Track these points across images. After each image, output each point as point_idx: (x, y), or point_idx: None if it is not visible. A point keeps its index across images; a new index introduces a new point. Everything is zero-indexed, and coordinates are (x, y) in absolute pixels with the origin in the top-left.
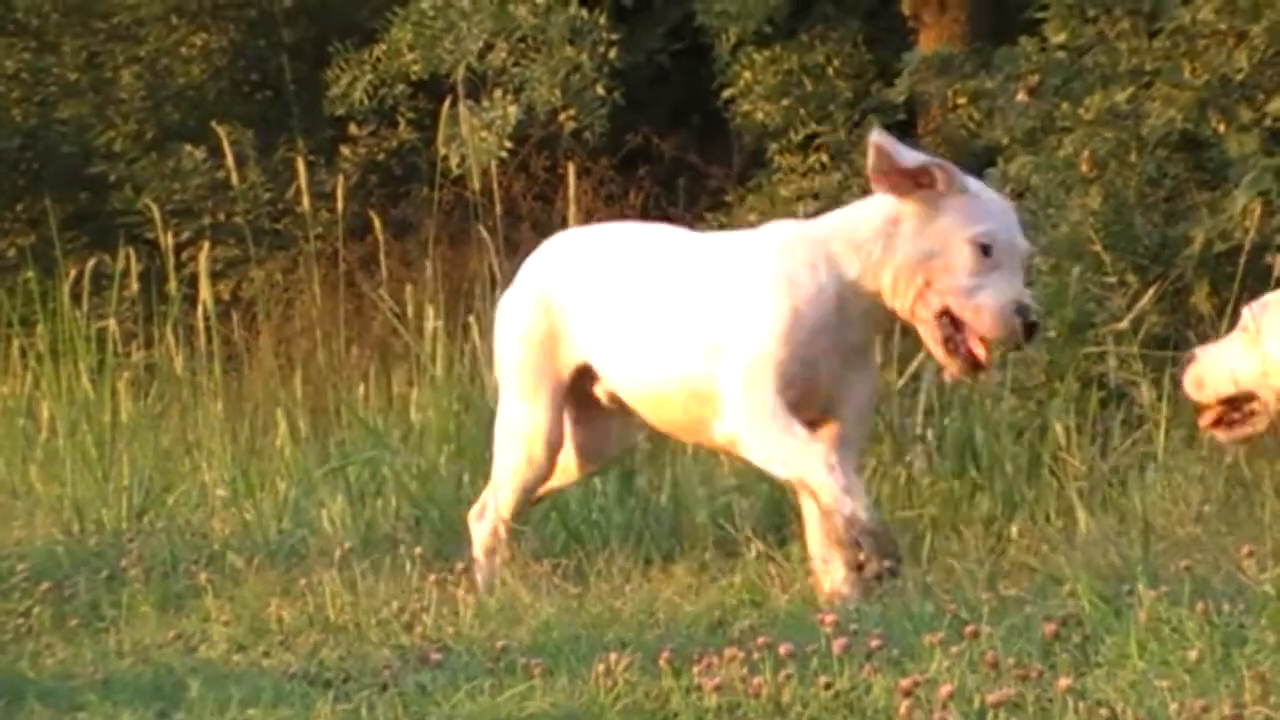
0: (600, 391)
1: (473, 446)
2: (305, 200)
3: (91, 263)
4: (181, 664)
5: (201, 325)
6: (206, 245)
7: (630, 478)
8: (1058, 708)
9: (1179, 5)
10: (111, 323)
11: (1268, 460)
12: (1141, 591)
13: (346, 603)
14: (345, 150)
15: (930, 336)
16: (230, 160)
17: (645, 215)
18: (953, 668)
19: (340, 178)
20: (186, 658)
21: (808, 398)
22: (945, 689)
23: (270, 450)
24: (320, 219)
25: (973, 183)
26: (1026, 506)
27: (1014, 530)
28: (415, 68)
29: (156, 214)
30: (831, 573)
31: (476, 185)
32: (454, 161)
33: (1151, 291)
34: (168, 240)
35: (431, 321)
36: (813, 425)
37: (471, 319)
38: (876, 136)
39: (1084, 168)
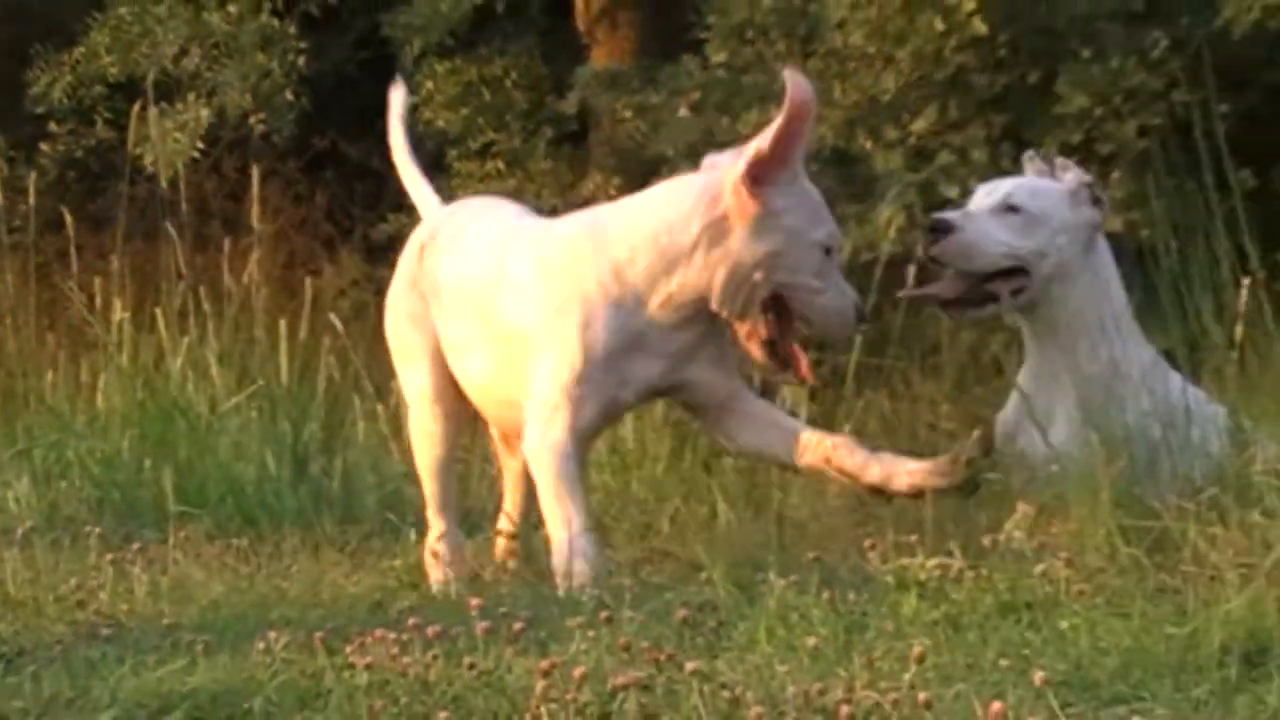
0: None
1: (155, 432)
2: None
3: None
4: None
5: None
6: None
7: (304, 464)
8: (684, 689)
9: (831, 30)
10: None
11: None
12: (773, 580)
13: (26, 579)
14: (45, 147)
15: (748, 334)
16: None
17: (330, 216)
18: (590, 650)
19: (34, 173)
20: None
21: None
22: (579, 670)
23: None
24: (19, 212)
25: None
26: (675, 498)
27: (664, 521)
28: (113, 70)
29: None
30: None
31: (165, 183)
32: (148, 160)
33: None
34: None
35: (119, 313)
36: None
37: (158, 311)
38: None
39: None
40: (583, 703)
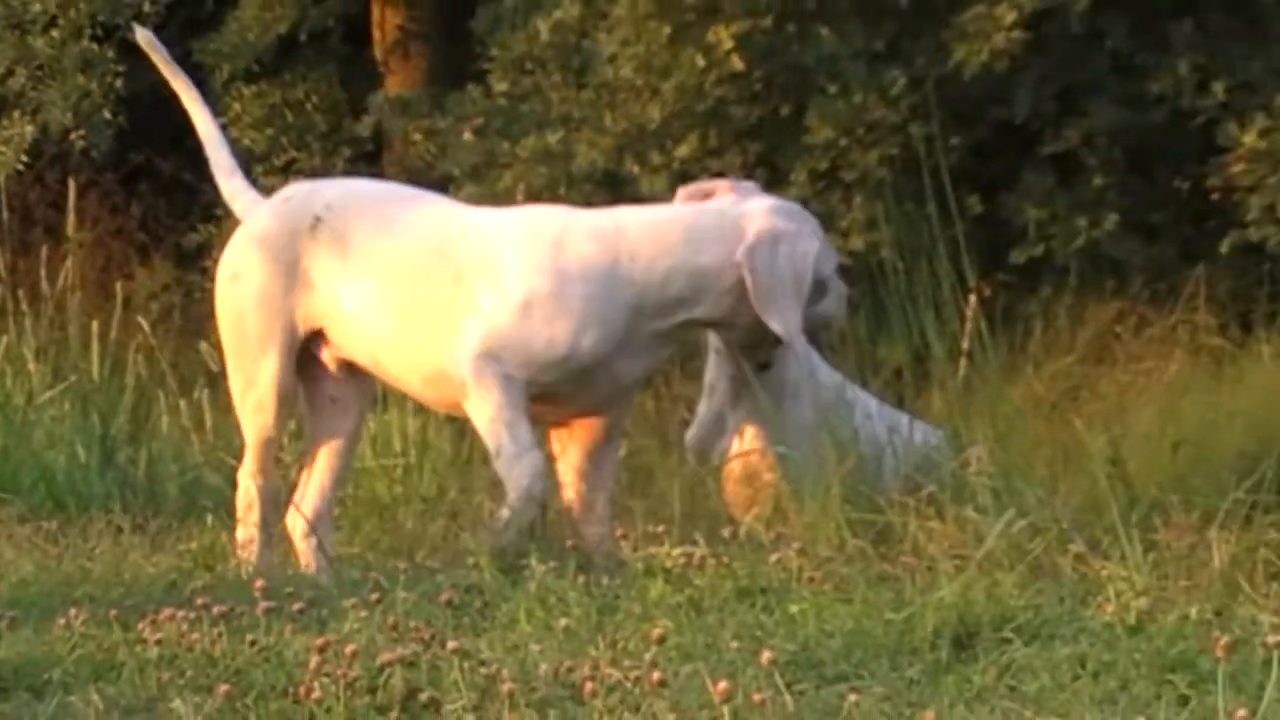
0: (329, 358)
1: None
2: None
3: None
4: None
5: None
6: None
7: (112, 453)
8: (445, 666)
9: (604, 63)
10: None
11: (661, 453)
12: (534, 565)
13: None
14: None
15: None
16: None
17: (144, 225)
18: (363, 629)
19: None
20: None
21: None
22: (351, 648)
23: None
24: None
25: None
26: (453, 490)
27: (442, 509)
28: None
29: None
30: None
31: None
32: None
33: None
34: None
35: None
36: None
37: None
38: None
39: (520, 199)
40: (353, 677)
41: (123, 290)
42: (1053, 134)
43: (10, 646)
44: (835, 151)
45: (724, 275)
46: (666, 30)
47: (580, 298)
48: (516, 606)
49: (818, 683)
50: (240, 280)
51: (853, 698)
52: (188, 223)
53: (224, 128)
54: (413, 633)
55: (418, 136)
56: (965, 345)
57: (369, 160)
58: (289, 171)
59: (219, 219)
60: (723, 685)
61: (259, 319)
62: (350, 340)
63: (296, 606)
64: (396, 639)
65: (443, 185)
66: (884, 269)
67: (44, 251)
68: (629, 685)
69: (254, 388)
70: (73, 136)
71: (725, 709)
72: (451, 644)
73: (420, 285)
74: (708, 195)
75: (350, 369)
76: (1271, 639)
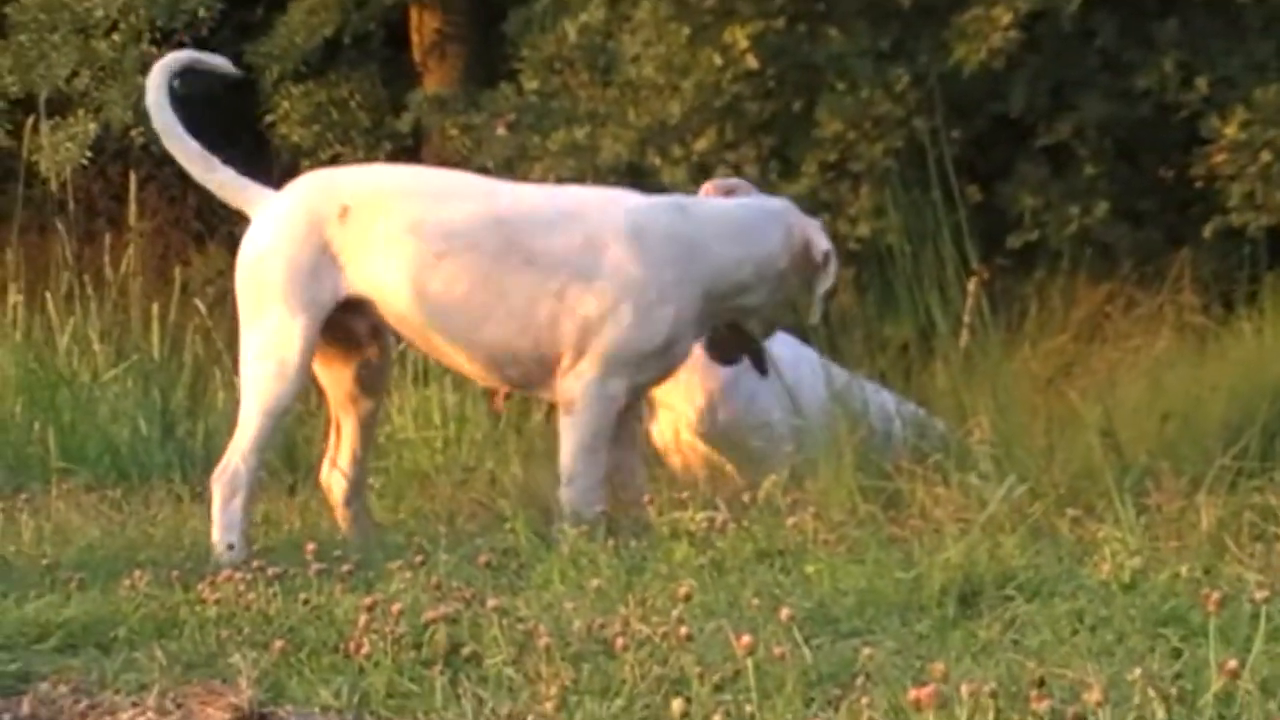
0: (362, 326)
1: (43, 398)
2: None
3: None
4: None
5: None
6: None
7: (171, 426)
8: (486, 623)
9: (627, 63)
10: None
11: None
12: (566, 529)
13: None
14: None
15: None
16: None
17: (200, 215)
18: (408, 589)
19: None
20: None
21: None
22: (397, 606)
23: None
24: None
25: None
26: (490, 458)
27: (480, 477)
28: (13, 88)
29: None
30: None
31: (56, 186)
32: (42, 166)
33: None
34: None
35: (14, 296)
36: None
37: (48, 295)
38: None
39: None
40: (399, 634)
41: (181, 275)
42: (1046, 127)
43: (79, 606)
44: (844, 144)
45: (776, 265)
46: (686, 31)
47: (671, 283)
48: (550, 568)
49: (833, 637)
50: (268, 257)
51: (866, 651)
52: (240, 213)
53: (272, 124)
54: (454, 592)
55: (454, 132)
56: (967, 322)
57: (409, 154)
58: (335, 165)
59: None
60: (745, 639)
61: (286, 289)
62: (397, 315)
63: (345, 568)
64: (439, 598)
65: None
66: (891, 253)
67: (107, 240)
68: (657, 640)
69: (275, 353)
70: (133, 133)
71: (748, 661)
72: (491, 602)
73: (485, 266)
74: (730, 191)
75: (378, 335)
76: (1259, 595)
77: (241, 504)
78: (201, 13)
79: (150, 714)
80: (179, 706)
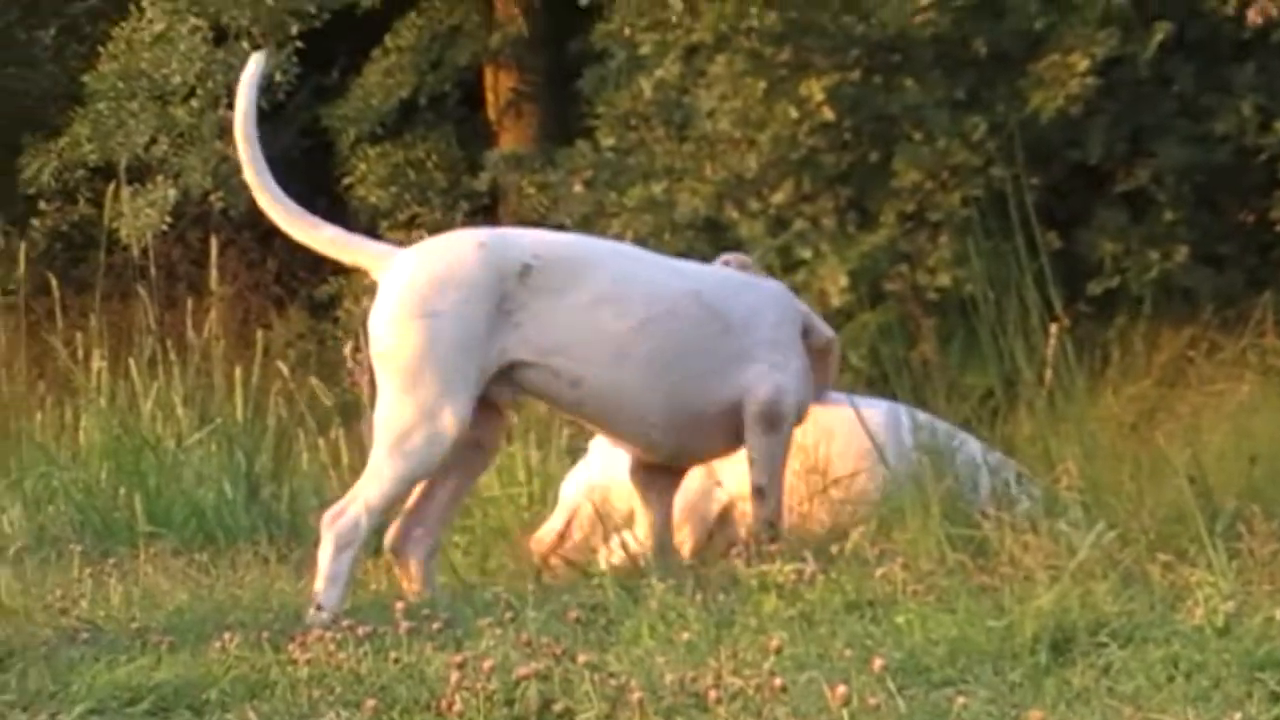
0: (502, 397)
1: (128, 463)
2: None
3: None
4: None
5: None
6: None
7: (256, 489)
8: (577, 679)
9: (703, 118)
10: None
11: None
12: (655, 584)
13: (18, 590)
14: (35, 222)
15: None
16: None
17: (279, 279)
18: (498, 646)
19: (25, 244)
20: None
21: None
22: (488, 663)
23: None
24: (13, 277)
25: None
26: None
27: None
28: (93, 156)
29: None
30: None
31: (137, 252)
32: (123, 232)
33: None
34: None
35: (98, 362)
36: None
37: (131, 360)
38: None
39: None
40: (491, 691)
41: (262, 339)
42: (1125, 173)
43: (170, 669)
44: (921, 194)
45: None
46: (762, 85)
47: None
48: (639, 622)
49: (926, 687)
50: (437, 319)
51: (960, 700)
52: (319, 276)
53: (350, 186)
54: (544, 648)
55: (531, 190)
56: (1049, 370)
57: (486, 213)
58: (412, 225)
59: (349, 272)
60: (840, 690)
61: (457, 358)
62: (573, 378)
63: (435, 626)
64: (530, 654)
65: None
66: (973, 302)
67: (189, 305)
68: (750, 692)
69: (431, 423)
70: (212, 198)
71: (844, 712)
72: (581, 658)
73: (681, 334)
74: (745, 266)
75: (498, 412)
76: None
77: (351, 558)
78: (278, 77)
79: None
80: None
